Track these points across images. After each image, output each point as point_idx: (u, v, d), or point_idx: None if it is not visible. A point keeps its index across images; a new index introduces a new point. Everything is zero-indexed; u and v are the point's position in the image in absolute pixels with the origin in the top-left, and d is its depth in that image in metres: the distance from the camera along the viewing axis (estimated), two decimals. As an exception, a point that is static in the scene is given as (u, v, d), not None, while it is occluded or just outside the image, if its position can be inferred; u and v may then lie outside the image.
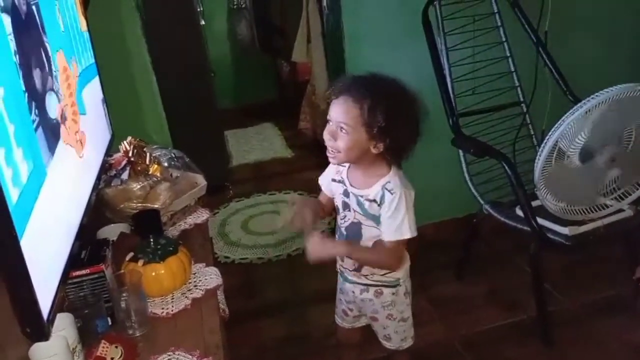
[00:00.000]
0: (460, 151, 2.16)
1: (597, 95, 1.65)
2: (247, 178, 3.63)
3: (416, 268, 2.37)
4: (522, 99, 2.26)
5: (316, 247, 1.32)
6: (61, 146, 1.14)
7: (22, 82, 0.95)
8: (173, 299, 1.30)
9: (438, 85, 2.09)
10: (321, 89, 3.47)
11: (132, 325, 1.17)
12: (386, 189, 1.27)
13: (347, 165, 1.35)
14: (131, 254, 1.31)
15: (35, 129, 0.99)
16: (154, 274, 1.28)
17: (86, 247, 1.25)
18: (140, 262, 1.28)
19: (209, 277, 1.38)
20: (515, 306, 2.10)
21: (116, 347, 1.05)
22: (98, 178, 1.49)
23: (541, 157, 1.72)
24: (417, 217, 2.22)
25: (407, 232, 1.28)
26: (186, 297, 1.31)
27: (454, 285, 2.29)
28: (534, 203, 1.85)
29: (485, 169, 2.11)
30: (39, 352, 0.93)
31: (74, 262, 1.15)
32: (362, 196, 1.31)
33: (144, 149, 1.66)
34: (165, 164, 1.69)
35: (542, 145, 1.73)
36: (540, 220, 1.83)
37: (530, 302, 1.96)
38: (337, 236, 1.43)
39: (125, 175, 1.59)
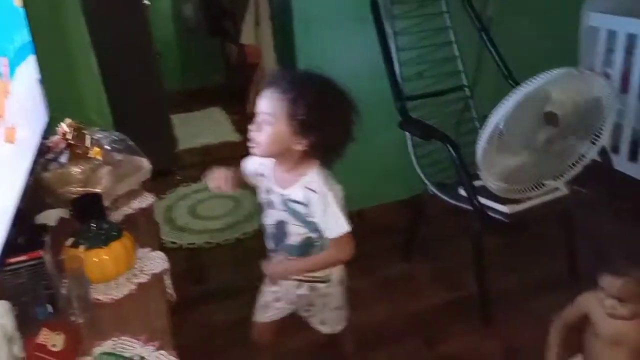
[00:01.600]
0: (407, 134, 2.20)
1: (535, 79, 1.71)
2: (195, 162, 3.56)
3: (363, 249, 2.43)
4: (466, 83, 2.33)
5: (276, 270, 1.39)
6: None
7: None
8: (117, 284, 1.27)
9: (386, 68, 2.12)
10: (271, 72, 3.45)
11: (75, 312, 1.14)
12: (309, 188, 1.25)
13: (271, 160, 1.32)
14: (72, 239, 1.27)
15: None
16: (96, 259, 1.25)
17: (23, 233, 1.19)
18: (82, 248, 1.24)
19: (155, 262, 1.36)
20: (458, 285, 2.18)
21: (58, 334, 1.01)
22: (35, 161, 1.43)
23: (482, 139, 1.78)
24: (364, 200, 2.28)
25: (344, 226, 1.26)
26: (131, 282, 1.28)
27: (400, 266, 2.34)
28: (476, 183, 1.91)
29: (431, 151, 2.17)
30: (-28, 342, 0.89)
31: (10, 248, 1.11)
32: (284, 195, 1.30)
33: (84, 132, 1.60)
34: (107, 147, 1.64)
35: (484, 128, 1.78)
36: (481, 200, 1.90)
37: (473, 280, 2.04)
38: (265, 234, 1.41)
39: (64, 159, 1.53)
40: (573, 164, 1.97)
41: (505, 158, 1.84)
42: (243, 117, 4.10)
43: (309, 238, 1.33)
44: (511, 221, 1.90)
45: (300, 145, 1.22)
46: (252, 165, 1.40)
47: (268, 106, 1.21)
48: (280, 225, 1.34)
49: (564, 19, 2.70)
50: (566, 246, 2.17)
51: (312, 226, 1.30)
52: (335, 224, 1.26)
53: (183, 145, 3.82)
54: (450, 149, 1.91)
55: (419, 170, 2.20)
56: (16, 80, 1.35)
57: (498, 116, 1.75)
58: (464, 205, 1.97)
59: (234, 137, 3.97)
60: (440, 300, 2.13)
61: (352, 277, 2.25)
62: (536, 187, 1.95)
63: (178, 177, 3.31)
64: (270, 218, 1.37)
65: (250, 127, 1.25)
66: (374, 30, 2.13)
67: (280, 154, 1.26)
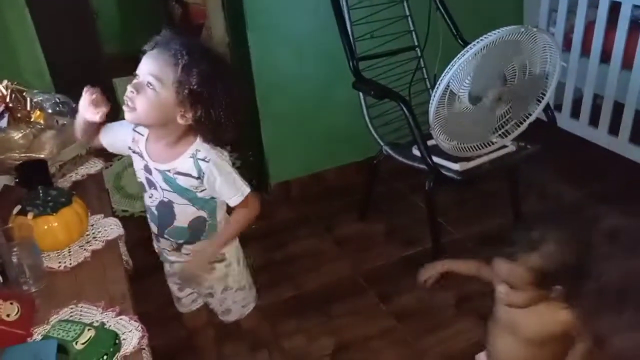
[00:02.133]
0: (361, 94, 2.20)
1: (483, 39, 1.74)
2: (142, 128, 3.44)
3: (320, 210, 2.47)
4: (416, 43, 2.33)
5: (198, 258, 1.26)
6: None
7: None
8: (71, 252, 1.23)
9: (338, 28, 2.10)
10: (218, 33, 3.34)
11: (27, 281, 1.10)
12: (198, 158, 1.16)
13: (144, 135, 1.21)
14: (19, 207, 1.21)
15: None
16: (46, 227, 1.20)
17: (-36, 202, 1.13)
18: (30, 215, 1.19)
19: (109, 228, 1.32)
20: (412, 241, 2.24)
21: (11, 303, 0.97)
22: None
23: (434, 99, 1.80)
24: (320, 163, 2.26)
25: (245, 188, 1.21)
26: (85, 249, 1.24)
27: (357, 225, 2.38)
28: (429, 142, 1.95)
29: (384, 112, 2.18)
30: None
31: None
32: (169, 170, 1.18)
33: (24, 94, 1.50)
34: (50, 110, 1.55)
35: (435, 88, 1.80)
36: (434, 158, 1.94)
37: (426, 236, 2.10)
38: (148, 216, 1.32)
39: (3, 123, 1.44)
40: (520, 122, 2.03)
41: (457, 118, 1.88)
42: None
43: (199, 217, 1.25)
44: (462, 178, 1.95)
45: (183, 119, 1.12)
46: (123, 140, 1.25)
47: (155, 68, 1.08)
48: (165, 206, 1.23)
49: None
50: (512, 200, 2.26)
51: (202, 203, 1.23)
52: (236, 189, 1.20)
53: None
54: (404, 108, 1.93)
55: (372, 131, 2.21)
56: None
57: (448, 76, 1.77)
58: (418, 165, 2.01)
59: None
60: (395, 256, 2.18)
61: (310, 237, 2.32)
62: (485, 145, 2.01)
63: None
64: (152, 199, 1.25)
65: (129, 88, 1.10)
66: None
67: (159, 125, 1.14)
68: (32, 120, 1.47)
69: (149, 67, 1.09)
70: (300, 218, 2.44)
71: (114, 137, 1.27)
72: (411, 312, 1.93)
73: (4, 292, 1.01)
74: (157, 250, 1.39)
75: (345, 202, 2.50)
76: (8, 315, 0.95)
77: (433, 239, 2.06)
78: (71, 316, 1.03)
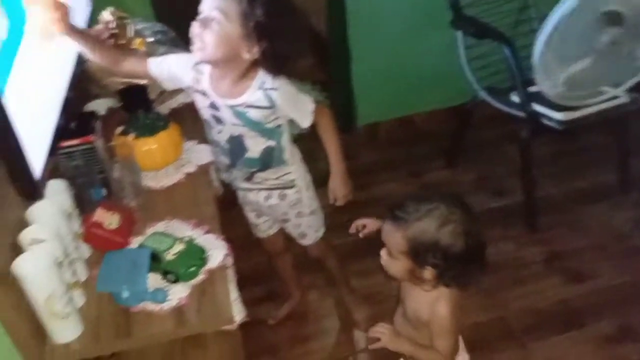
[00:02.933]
0: (458, 35, 2.08)
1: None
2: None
3: (409, 155, 2.41)
4: (525, -20, 2.15)
5: (340, 184, 1.40)
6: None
7: None
8: (166, 173, 1.30)
9: (438, -40, 1.98)
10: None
11: (127, 196, 1.18)
12: (267, 88, 1.17)
13: (205, 73, 1.21)
14: (121, 128, 1.28)
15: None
16: (145, 148, 1.27)
17: (74, 119, 1.21)
18: (131, 136, 1.26)
19: (201, 154, 1.38)
20: (503, 192, 2.14)
21: (113, 214, 1.05)
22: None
23: (540, 40, 1.66)
24: (412, 106, 2.09)
25: (310, 104, 1.25)
26: (179, 171, 1.31)
27: (444, 172, 2.30)
28: (530, 89, 1.82)
29: (483, 54, 2.05)
30: (35, 213, 0.92)
31: (63, 133, 1.13)
32: (239, 105, 1.19)
33: (126, 22, 1.56)
34: (150, 39, 1.61)
35: (543, 27, 1.66)
36: (534, 106, 1.82)
37: (518, 188, 2.00)
38: (216, 151, 1.32)
39: (109, 49, 1.51)
40: (636, 71, 1.84)
41: (565, 62, 1.73)
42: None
43: (268, 147, 1.27)
44: (564, 128, 1.82)
45: (250, 54, 1.11)
46: (178, 76, 1.24)
47: (219, 2, 1.08)
48: (236, 140, 1.25)
49: None
50: (619, 156, 2.08)
51: (270, 133, 1.25)
52: (303, 106, 1.24)
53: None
54: (507, 49, 1.80)
55: (469, 74, 2.10)
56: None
57: (558, 15, 1.62)
58: (515, 112, 1.89)
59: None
60: (482, 207, 2.08)
61: (394, 181, 2.28)
62: (595, 95, 1.84)
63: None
64: (221, 135, 1.27)
65: (194, 24, 1.10)
66: None
67: (225, 60, 1.14)
68: (133, 47, 1.53)
69: (213, 1, 1.09)
70: (385, 161, 2.41)
71: (170, 73, 1.25)
72: (494, 264, 1.86)
73: (107, 204, 1.09)
74: (227, 181, 1.42)
75: (433, 147, 2.42)
76: (110, 224, 1.03)
77: (526, 192, 1.96)
78: (165, 230, 1.10)
